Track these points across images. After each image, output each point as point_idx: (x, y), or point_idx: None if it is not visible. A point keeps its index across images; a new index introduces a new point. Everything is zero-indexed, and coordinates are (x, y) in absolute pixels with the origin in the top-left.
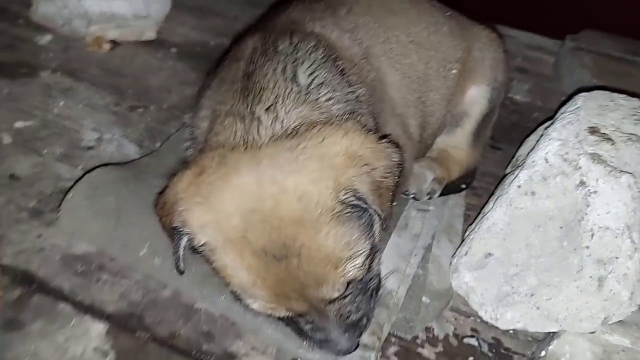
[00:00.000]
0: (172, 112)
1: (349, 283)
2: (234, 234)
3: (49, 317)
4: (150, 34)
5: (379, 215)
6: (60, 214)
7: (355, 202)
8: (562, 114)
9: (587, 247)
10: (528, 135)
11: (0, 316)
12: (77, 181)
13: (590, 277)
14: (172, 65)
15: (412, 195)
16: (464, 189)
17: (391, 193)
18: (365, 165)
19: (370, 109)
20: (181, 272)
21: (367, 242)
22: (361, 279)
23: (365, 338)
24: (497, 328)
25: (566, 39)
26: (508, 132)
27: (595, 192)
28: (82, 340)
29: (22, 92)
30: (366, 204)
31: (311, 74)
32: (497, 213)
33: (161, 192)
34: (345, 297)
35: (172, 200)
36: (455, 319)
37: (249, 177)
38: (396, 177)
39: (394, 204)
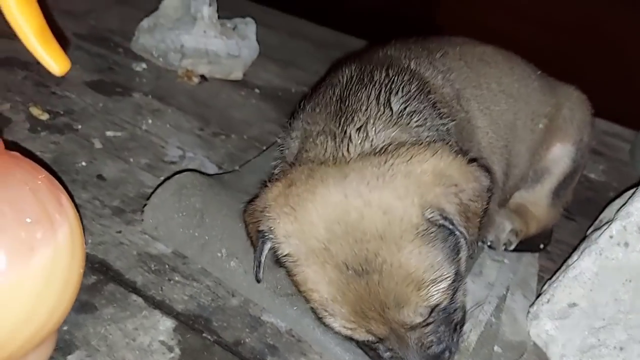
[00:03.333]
0: (252, 142)
1: (432, 310)
2: (317, 245)
3: (121, 306)
4: (238, 74)
5: (465, 239)
6: (146, 208)
7: (442, 222)
8: None
9: None
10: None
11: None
12: (165, 180)
13: None
14: (255, 104)
15: (488, 243)
16: (541, 249)
17: (479, 219)
18: (453, 185)
19: (460, 144)
20: (259, 280)
21: (453, 266)
22: (445, 308)
23: None
24: None
25: None
26: (583, 206)
27: None
28: (150, 332)
29: (115, 108)
30: (452, 225)
31: (404, 102)
32: (584, 262)
33: (251, 200)
34: (428, 325)
35: (260, 208)
36: None
37: (335, 190)
38: (485, 203)
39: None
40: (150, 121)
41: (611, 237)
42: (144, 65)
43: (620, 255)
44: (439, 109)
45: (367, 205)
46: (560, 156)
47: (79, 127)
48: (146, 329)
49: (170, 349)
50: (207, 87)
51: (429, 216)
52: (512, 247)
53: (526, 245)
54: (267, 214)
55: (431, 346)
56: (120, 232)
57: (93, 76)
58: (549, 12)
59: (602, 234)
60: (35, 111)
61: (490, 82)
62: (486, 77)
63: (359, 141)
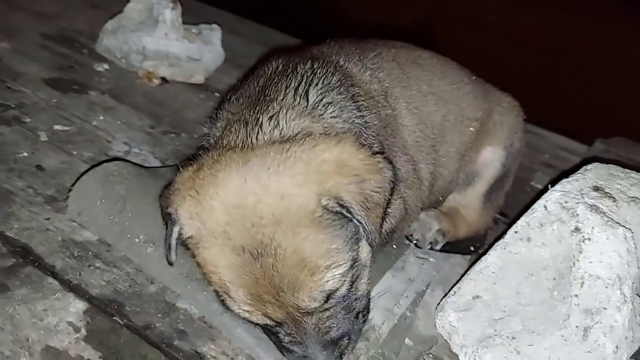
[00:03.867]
0: (202, 141)
1: (329, 296)
2: (217, 228)
3: (35, 287)
4: (199, 78)
5: (364, 228)
6: (70, 194)
7: (338, 210)
8: (571, 175)
9: (576, 296)
10: None
11: None
12: (93, 166)
13: (577, 326)
14: (212, 106)
15: (414, 241)
16: (471, 252)
17: (381, 210)
18: (354, 175)
19: (380, 138)
20: (170, 263)
21: (350, 254)
22: (344, 295)
23: None
24: None
25: (596, 141)
26: (523, 212)
27: (589, 239)
28: (60, 314)
29: (69, 104)
30: (350, 213)
31: (321, 93)
32: (490, 256)
33: (167, 185)
34: (326, 310)
35: (171, 192)
36: None
37: (237, 174)
38: (387, 195)
39: (390, 227)
40: (101, 117)
41: (516, 232)
42: (105, 66)
43: (523, 250)
44: (358, 102)
45: (265, 190)
46: (490, 160)
47: (28, 120)
48: (56, 310)
49: (77, 330)
50: (167, 89)
51: (326, 203)
52: (439, 247)
53: (456, 247)
54: (175, 197)
55: (329, 331)
56: (48, 219)
57: (52, 74)
58: (506, 23)
59: (508, 229)
60: None
61: (420, 84)
62: (417, 79)
63: (269, 129)
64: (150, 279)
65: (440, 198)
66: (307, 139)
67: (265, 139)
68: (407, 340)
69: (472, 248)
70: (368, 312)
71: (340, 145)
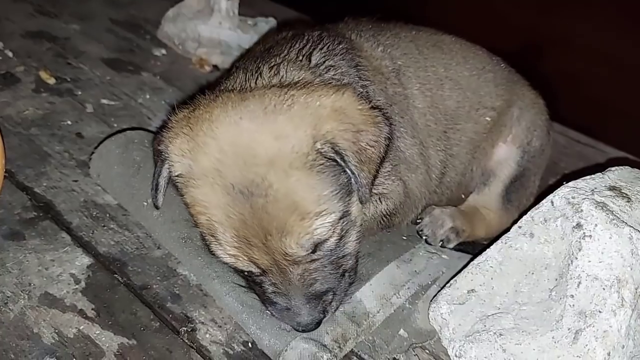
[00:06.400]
0: None
1: (316, 246)
2: (208, 165)
3: (48, 240)
4: None
5: (356, 179)
6: (93, 156)
7: (332, 156)
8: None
9: (572, 296)
10: None
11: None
12: (117, 132)
13: (568, 328)
14: None
15: (424, 237)
16: None
17: (374, 167)
18: (350, 124)
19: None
20: (157, 206)
21: (341, 204)
22: (332, 249)
23: (326, 340)
24: None
25: None
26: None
27: (590, 236)
28: (65, 265)
29: (120, 82)
30: (344, 161)
31: (324, 56)
32: (490, 250)
33: (160, 127)
34: (313, 261)
35: (164, 131)
36: None
37: (233, 112)
38: (382, 151)
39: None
40: (147, 96)
41: (519, 227)
42: (163, 51)
43: (525, 246)
44: (360, 71)
45: (260, 129)
46: (504, 158)
47: (79, 93)
48: (62, 262)
49: (77, 282)
50: (216, 75)
51: (320, 147)
52: (451, 245)
53: (474, 247)
54: (167, 134)
55: (313, 284)
56: (76, 181)
57: (112, 54)
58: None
59: (513, 224)
60: (44, 75)
61: (437, 67)
62: (434, 61)
63: (269, 76)
64: (157, 245)
65: (462, 196)
66: (307, 85)
67: (264, 83)
68: (401, 332)
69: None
70: (355, 273)
71: (339, 93)
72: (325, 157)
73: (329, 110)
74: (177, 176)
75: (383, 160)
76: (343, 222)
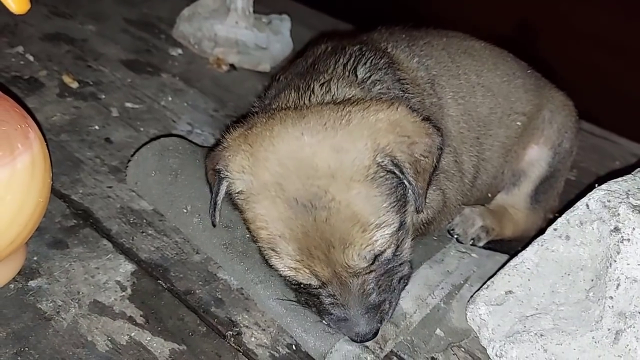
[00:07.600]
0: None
1: (375, 257)
2: (270, 179)
3: (90, 247)
4: (265, 66)
5: (413, 190)
6: (130, 164)
7: (391, 168)
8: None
9: (611, 298)
10: None
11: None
12: (152, 140)
13: (609, 329)
14: None
15: (455, 236)
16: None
17: (428, 176)
18: (406, 137)
19: None
20: (214, 224)
21: (398, 215)
22: (389, 259)
23: (368, 342)
24: None
25: None
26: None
27: (628, 240)
28: (109, 273)
29: (141, 84)
30: (402, 173)
31: (369, 71)
32: (527, 252)
33: (212, 146)
34: (371, 272)
35: (220, 150)
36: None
37: (293, 128)
38: (435, 161)
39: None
40: (170, 98)
41: (555, 229)
42: (179, 51)
43: (561, 248)
44: (404, 85)
45: (321, 143)
46: (536, 159)
47: (103, 96)
48: (107, 269)
49: (123, 289)
50: (234, 75)
51: (380, 160)
52: (481, 244)
53: (502, 245)
54: (225, 153)
55: (372, 294)
56: (111, 187)
57: (130, 56)
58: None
59: (548, 226)
60: (67, 79)
61: (469, 74)
62: (466, 69)
63: (321, 93)
64: (196, 249)
65: (489, 195)
66: (362, 101)
67: (318, 100)
68: (438, 331)
69: (519, 249)
70: (409, 280)
71: (394, 108)
72: (385, 170)
73: (386, 124)
74: (237, 193)
75: (435, 170)
76: (400, 233)
